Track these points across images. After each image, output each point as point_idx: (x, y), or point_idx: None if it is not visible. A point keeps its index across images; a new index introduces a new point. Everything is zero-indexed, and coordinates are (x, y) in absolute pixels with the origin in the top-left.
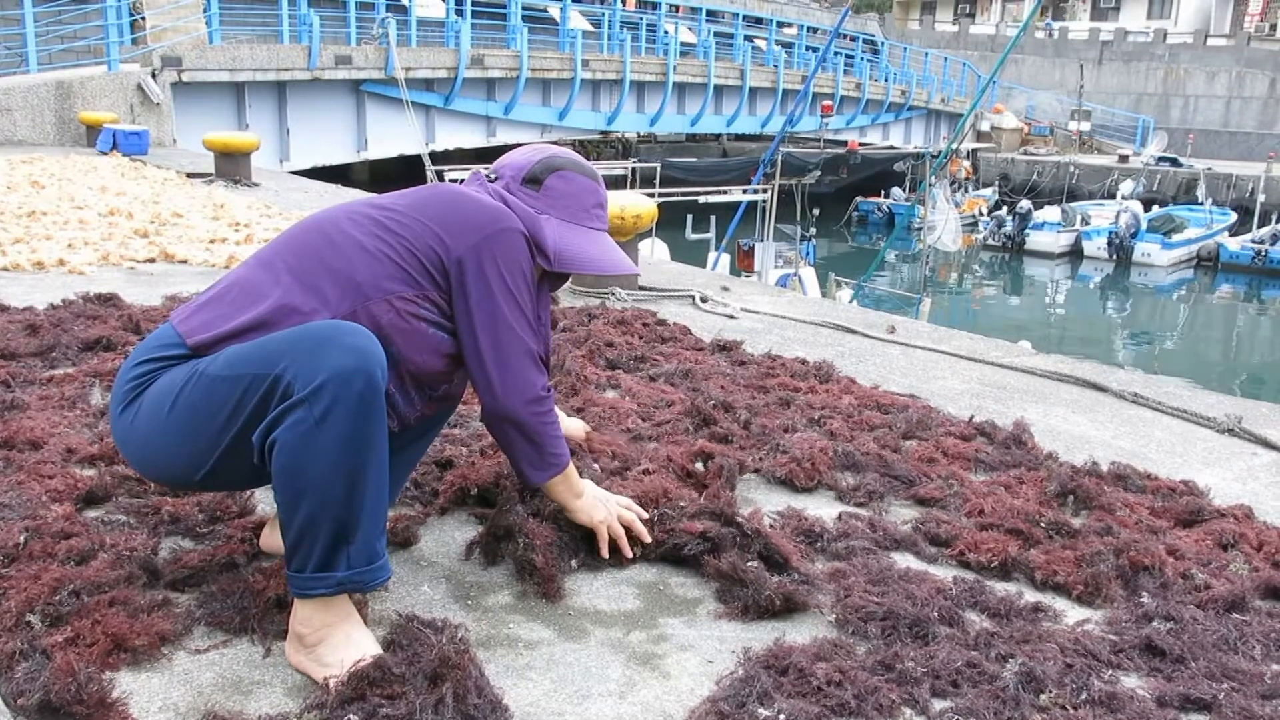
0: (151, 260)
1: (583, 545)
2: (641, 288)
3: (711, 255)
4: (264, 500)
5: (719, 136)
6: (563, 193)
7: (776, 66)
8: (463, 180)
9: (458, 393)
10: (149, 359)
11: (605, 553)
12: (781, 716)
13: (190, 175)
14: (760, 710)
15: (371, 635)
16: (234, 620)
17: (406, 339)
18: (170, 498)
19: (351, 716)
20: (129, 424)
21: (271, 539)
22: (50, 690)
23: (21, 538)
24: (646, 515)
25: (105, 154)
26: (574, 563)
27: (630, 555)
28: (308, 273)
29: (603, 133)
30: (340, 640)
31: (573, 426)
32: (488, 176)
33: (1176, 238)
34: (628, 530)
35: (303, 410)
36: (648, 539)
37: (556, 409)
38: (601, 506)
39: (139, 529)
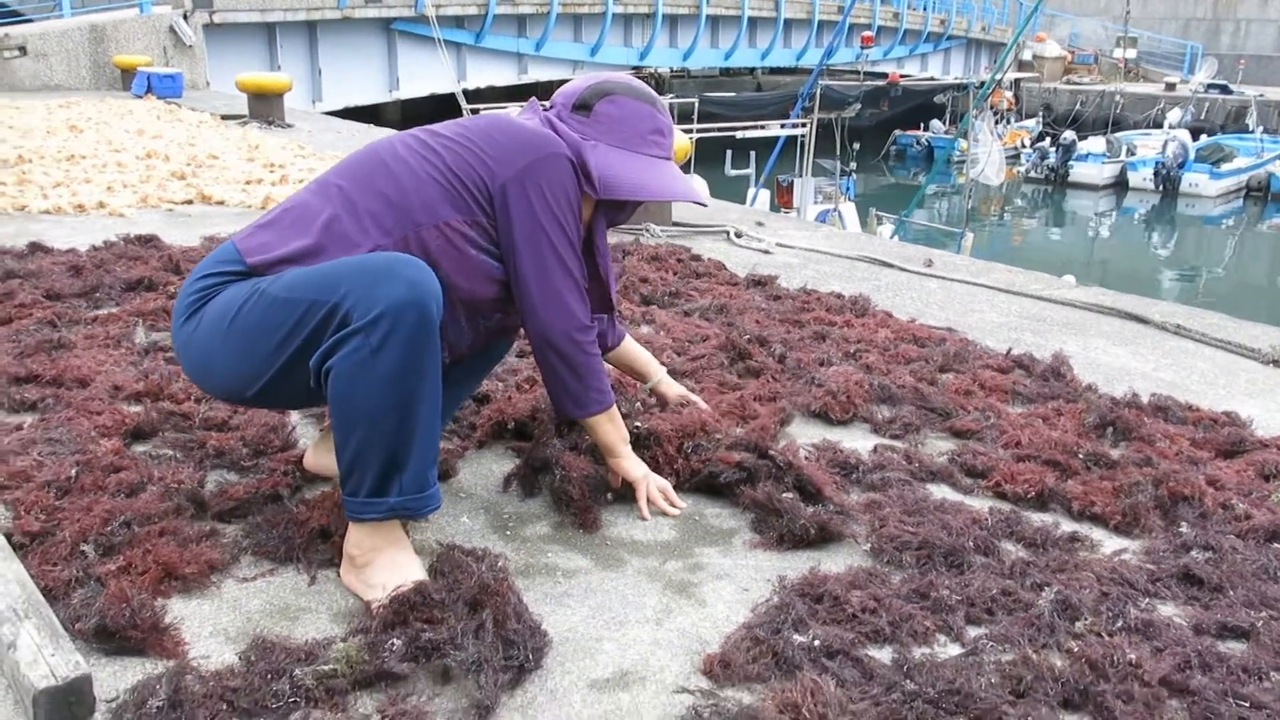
0: (189, 202)
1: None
2: (675, 223)
3: (750, 191)
4: (305, 435)
5: (753, 71)
6: (613, 118)
7: None
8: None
9: (512, 325)
10: (211, 273)
11: (645, 511)
12: (816, 643)
13: (224, 117)
14: (795, 636)
15: (418, 560)
16: (279, 550)
17: (456, 265)
18: (215, 432)
19: (394, 641)
20: (190, 335)
21: (315, 459)
22: (106, 616)
23: (73, 471)
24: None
25: (140, 97)
26: (609, 495)
27: (674, 512)
28: (361, 198)
29: (635, 68)
30: (386, 563)
31: (673, 391)
32: (543, 106)
33: (1225, 167)
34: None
35: (359, 339)
36: (678, 508)
37: (667, 377)
38: (642, 465)
39: (185, 463)
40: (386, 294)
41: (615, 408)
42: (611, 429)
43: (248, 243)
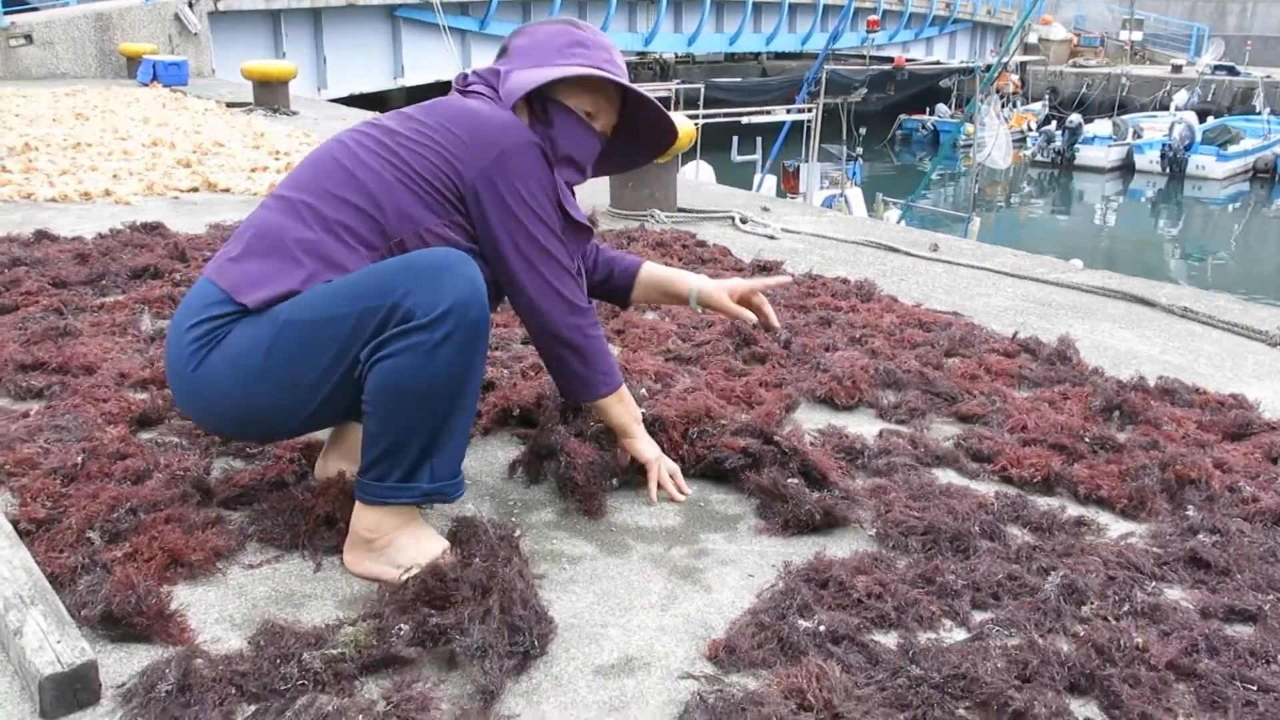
0: (195, 189)
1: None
2: (681, 209)
3: (757, 177)
4: None
5: (758, 56)
6: (524, 47)
7: None
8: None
9: (492, 315)
10: (203, 319)
11: (654, 494)
12: (822, 628)
13: (230, 105)
14: (800, 622)
15: (435, 531)
16: (285, 537)
17: None
18: None
19: (402, 626)
20: (202, 386)
21: (325, 468)
22: (111, 602)
23: (79, 458)
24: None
25: (146, 85)
26: (614, 481)
27: (680, 498)
28: (333, 213)
29: (640, 54)
30: (409, 540)
31: (710, 285)
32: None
33: (1232, 149)
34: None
35: (423, 334)
36: (684, 494)
37: (706, 283)
38: (655, 446)
39: (191, 450)
40: (450, 291)
41: (625, 387)
42: (622, 409)
43: (230, 279)
